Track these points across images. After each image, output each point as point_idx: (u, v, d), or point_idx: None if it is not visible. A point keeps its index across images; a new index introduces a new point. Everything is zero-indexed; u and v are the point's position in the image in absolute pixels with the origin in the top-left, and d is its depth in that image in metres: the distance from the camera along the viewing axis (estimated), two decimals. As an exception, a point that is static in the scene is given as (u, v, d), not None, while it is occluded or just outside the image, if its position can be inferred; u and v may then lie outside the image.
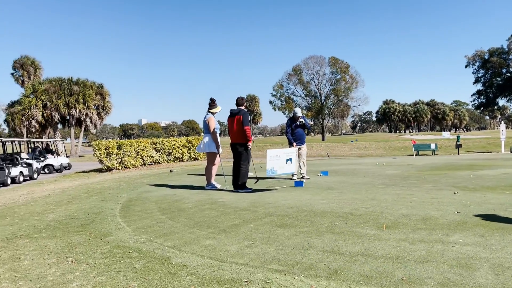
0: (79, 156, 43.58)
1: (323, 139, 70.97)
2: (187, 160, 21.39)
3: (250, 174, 9.14)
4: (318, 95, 75.96)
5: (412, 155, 26.41)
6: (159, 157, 20.03)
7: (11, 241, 4.78)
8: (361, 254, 3.65)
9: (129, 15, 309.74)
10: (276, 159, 8.62)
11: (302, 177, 9.87)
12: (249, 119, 8.47)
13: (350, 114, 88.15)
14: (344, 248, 3.85)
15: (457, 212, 5.27)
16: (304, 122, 10.05)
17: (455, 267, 3.21)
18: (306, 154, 10.45)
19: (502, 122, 34.01)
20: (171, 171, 14.81)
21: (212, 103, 8.80)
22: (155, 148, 19.97)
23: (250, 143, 8.20)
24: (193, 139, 22.31)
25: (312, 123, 77.96)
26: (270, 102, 76.79)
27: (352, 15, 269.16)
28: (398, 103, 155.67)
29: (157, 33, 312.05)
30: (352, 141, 49.08)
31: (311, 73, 75.44)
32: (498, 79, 63.40)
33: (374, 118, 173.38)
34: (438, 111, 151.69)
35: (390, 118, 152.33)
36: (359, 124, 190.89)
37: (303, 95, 76.71)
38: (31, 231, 5.27)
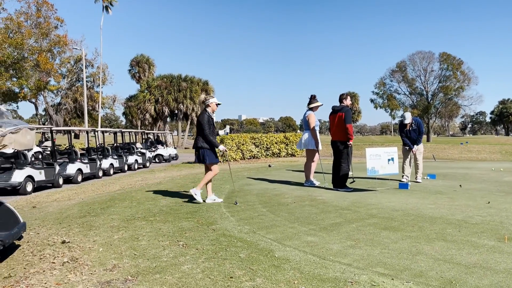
0: (185, 148, 46.65)
1: (428, 140, 66.36)
2: (284, 156, 21.62)
3: (350, 174, 8.90)
4: (425, 93, 71.13)
5: (536, 161, 23.37)
6: (258, 152, 20.55)
7: (130, 222, 5.29)
8: (479, 266, 3.33)
9: (232, 17, 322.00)
10: (377, 158, 8.27)
11: (416, 180, 9.30)
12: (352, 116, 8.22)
13: (460, 114, 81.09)
14: (458, 257, 3.56)
15: None
16: (418, 126, 9.28)
17: None
18: (422, 155, 9.66)
19: None
20: (269, 165, 15.10)
21: (312, 100, 8.74)
22: (254, 143, 20.54)
23: (351, 141, 7.99)
24: (291, 136, 22.46)
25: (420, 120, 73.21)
26: (371, 100, 73.99)
27: (465, 6, 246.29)
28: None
29: (258, 34, 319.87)
30: (462, 143, 45.09)
31: (418, 69, 70.87)
32: None
33: (488, 119, 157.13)
34: None
35: (508, 119, 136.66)
36: (469, 125, 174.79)
37: (407, 93, 72.51)
38: (147, 214, 5.78)
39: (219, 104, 6.78)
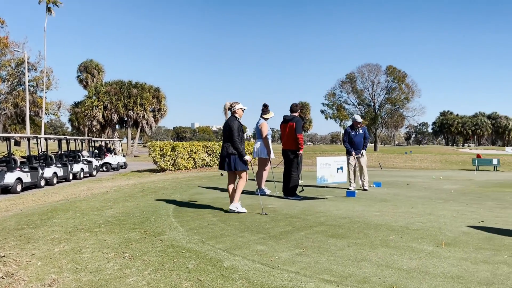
0: (135, 156, 45.42)
1: (375, 149, 69.04)
2: (237, 165, 21.65)
3: (300, 182, 9.05)
4: (372, 104, 74.13)
5: (472, 170, 25.01)
6: (210, 160, 20.42)
7: (73, 234, 5.04)
8: (418, 270, 3.48)
9: (186, 19, 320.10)
10: (327, 167, 8.49)
11: (363, 188, 9.60)
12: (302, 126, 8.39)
13: (405, 125, 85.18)
14: (400, 263, 3.70)
15: (525, 233, 4.91)
16: (364, 133, 9.64)
17: (524, 293, 2.98)
18: (366, 164, 9.96)
19: None
20: (222, 174, 15.03)
21: (265, 109, 8.83)
22: (206, 151, 20.39)
23: (301, 151, 8.13)
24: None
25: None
26: (322, 112, 75.91)
27: (408, 21, 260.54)
28: (457, 115, 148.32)
29: (210, 39, 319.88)
30: (406, 153, 47.33)
31: (366, 81, 73.78)
32: None
33: (430, 130, 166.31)
34: (501, 125, 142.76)
35: (448, 130, 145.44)
36: (413, 136, 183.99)
37: (356, 104, 75.19)
38: (91, 225, 5.54)
39: (244, 109, 6.60)
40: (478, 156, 26.08)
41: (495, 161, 28.28)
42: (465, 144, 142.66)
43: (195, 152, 19.52)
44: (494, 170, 27.90)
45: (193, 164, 19.42)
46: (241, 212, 6.30)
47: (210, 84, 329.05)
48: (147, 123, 47.17)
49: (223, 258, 3.87)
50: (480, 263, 3.69)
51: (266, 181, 9.15)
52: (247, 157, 6.33)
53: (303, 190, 8.80)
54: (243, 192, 7.37)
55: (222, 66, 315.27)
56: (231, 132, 6.25)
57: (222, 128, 6.59)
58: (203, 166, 20.03)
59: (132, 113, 45.41)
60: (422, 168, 30.65)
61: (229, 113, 6.50)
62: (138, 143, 58.53)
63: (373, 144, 71.38)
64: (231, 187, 6.52)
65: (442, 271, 3.46)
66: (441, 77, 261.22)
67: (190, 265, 3.67)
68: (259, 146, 8.70)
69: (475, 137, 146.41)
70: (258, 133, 8.83)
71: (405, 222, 5.56)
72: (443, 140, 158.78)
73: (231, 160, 6.25)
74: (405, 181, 12.98)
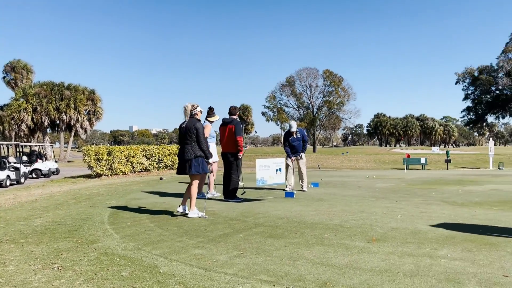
0: (68, 162, 43.15)
1: (314, 150, 71.14)
2: (177, 168, 21.32)
3: (240, 184, 9.11)
4: (311, 106, 76.37)
5: (403, 169, 26.58)
6: (149, 164, 19.91)
7: (-4, 246, 4.69)
8: (350, 266, 3.65)
9: (122, 19, 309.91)
10: (266, 169, 8.63)
11: (302, 189, 9.83)
12: (242, 128, 8.45)
13: (342, 127, 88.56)
14: (333, 260, 3.85)
15: (445, 226, 5.31)
16: (302, 136, 9.87)
17: (443, 282, 3.22)
18: (305, 165, 10.20)
19: (491, 139, 34.48)
20: (161, 178, 14.72)
21: (211, 112, 8.77)
22: (145, 155, 19.86)
23: (241, 154, 8.19)
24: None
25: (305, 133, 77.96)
26: (263, 114, 76.92)
27: (346, 26, 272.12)
28: (389, 117, 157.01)
29: (148, 40, 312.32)
30: (343, 154, 49.31)
31: (304, 84, 75.90)
32: (487, 96, 64.37)
33: (365, 131, 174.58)
34: (428, 126, 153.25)
35: (381, 131, 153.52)
36: (350, 137, 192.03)
37: (295, 107, 77.07)
38: (16, 236, 5.18)
39: (201, 111, 6.51)
40: (408, 155, 27.75)
41: (423, 160, 30.29)
42: (396, 145, 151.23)
43: (133, 156, 18.94)
44: (422, 168, 29.87)
45: (131, 168, 18.83)
46: (204, 217, 6.19)
47: (149, 87, 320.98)
48: (81, 127, 45.00)
49: (160, 264, 3.80)
50: (405, 256, 3.94)
51: (204, 184, 9.10)
52: (210, 160, 6.39)
53: (244, 192, 8.84)
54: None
55: (161, 68, 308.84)
56: (198, 134, 6.19)
57: (178, 130, 6.45)
58: (142, 171, 19.48)
59: (65, 116, 43.11)
60: (358, 168, 32.07)
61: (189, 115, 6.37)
62: (72, 148, 55.65)
63: (312, 146, 73.42)
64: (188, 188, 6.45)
65: (372, 266, 3.65)
66: (375, 81, 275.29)
67: (125, 273, 3.55)
68: None
69: (405, 137, 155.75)
70: None
71: (339, 220, 5.79)
72: (377, 141, 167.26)
73: (199, 163, 6.19)
74: (342, 181, 13.51)
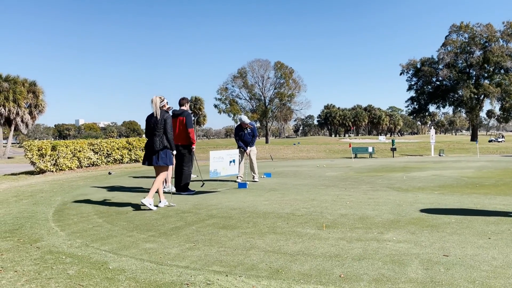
0: (8, 158, 40.70)
1: (266, 141, 71.88)
2: (127, 162, 20.69)
3: (194, 177, 9.02)
4: (263, 98, 76.90)
5: (351, 157, 27.47)
6: (97, 158, 19.20)
7: None
8: (302, 253, 3.72)
9: (67, 9, 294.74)
10: (219, 160, 8.59)
11: (253, 180, 9.88)
12: (193, 120, 8.34)
13: (293, 118, 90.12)
14: (285, 247, 3.91)
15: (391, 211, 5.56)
16: (252, 130, 9.95)
17: (389, 263, 3.37)
18: (256, 156, 10.32)
19: (432, 127, 36.42)
20: (109, 173, 14.26)
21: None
22: (93, 150, 19.12)
23: (194, 146, 8.08)
24: (134, 141, 21.64)
25: (258, 125, 78.64)
26: (215, 106, 76.44)
27: (296, 18, 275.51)
28: (338, 108, 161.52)
29: (95, 29, 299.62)
30: (294, 144, 50.17)
31: (256, 76, 76.26)
32: (429, 87, 67.86)
33: (316, 122, 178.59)
34: (375, 116, 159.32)
35: (331, 122, 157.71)
36: (301, 128, 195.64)
37: (247, 98, 77.28)
38: (-50, 238, 4.82)
39: (168, 103, 6.77)
40: (349, 145, 28.69)
41: (370, 149, 31.46)
42: (346, 135, 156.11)
43: (79, 151, 18.17)
44: (369, 157, 31.03)
45: (78, 164, 18.07)
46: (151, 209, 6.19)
47: (96, 79, 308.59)
48: (22, 121, 42.46)
49: (109, 260, 3.68)
50: (354, 241, 4.08)
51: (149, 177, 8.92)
52: (175, 152, 6.54)
53: (203, 185, 8.68)
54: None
55: (109, 60, 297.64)
56: (166, 126, 6.32)
57: (146, 122, 6.53)
58: (89, 166, 18.75)
59: (3, 109, 40.48)
60: (309, 157, 32.76)
61: (157, 107, 6.44)
62: (12, 144, 52.47)
63: (264, 137, 74.06)
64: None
65: (322, 252, 3.75)
66: (325, 74, 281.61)
67: (71, 271, 3.41)
68: None
69: (354, 127, 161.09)
70: None
71: (291, 209, 5.89)
72: (328, 131, 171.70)
73: (166, 155, 6.33)
74: (294, 170, 13.74)
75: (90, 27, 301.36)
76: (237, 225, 4.93)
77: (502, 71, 61.86)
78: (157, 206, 6.34)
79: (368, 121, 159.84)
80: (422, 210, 5.59)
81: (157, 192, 6.39)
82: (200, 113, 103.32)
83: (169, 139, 6.34)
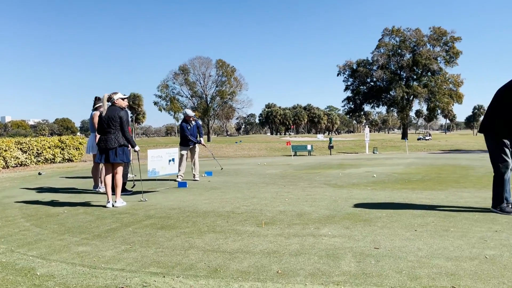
0: None
1: (208, 140, 71.41)
2: (59, 162, 19.59)
3: (130, 176, 8.75)
4: (204, 96, 76.31)
5: (291, 155, 28.09)
6: (26, 158, 17.99)
7: None
8: (240, 251, 3.74)
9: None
10: (158, 159, 8.40)
11: (194, 179, 9.77)
12: (131, 119, 8.09)
13: (235, 116, 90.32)
14: (224, 246, 3.91)
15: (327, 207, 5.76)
16: (197, 123, 9.91)
17: (324, 258, 3.49)
18: (198, 154, 10.19)
19: (367, 126, 38.23)
20: (39, 173, 13.42)
21: (97, 101, 8.27)
22: (21, 149, 17.88)
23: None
24: (67, 139, 20.54)
25: (201, 122, 77.85)
26: (155, 103, 74.59)
27: (236, 18, 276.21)
28: (279, 107, 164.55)
29: (29, 27, 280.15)
30: (236, 142, 50.34)
31: (197, 74, 75.52)
32: (364, 87, 71.23)
33: (257, 121, 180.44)
34: (314, 115, 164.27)
35: (273, 121, 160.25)
36: (243, 126, 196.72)
37: (189, 96, 76.29)
38: None
39: (125, 98, 6.50)
40: (288, 143, 29.33)
41: (309, 147, 32.33)
42: (286, 133, 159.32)
43: (5, 150, 16.91)
44: (308, 154, 31.90)
45: (4, 164, 16.82)
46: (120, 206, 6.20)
47: (24, 75, 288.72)
48: None
49: (37, 266, 3.46)
50: (292, 237, 4.17)
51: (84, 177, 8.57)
52: (138, 147, 6.47)
53: (134, 185, 8.47)
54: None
55: (41, 55, 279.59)
56: (122, 122, 6.17)
57: (98, 118, 6.36)
58: (17, 166, 17.52)
59: None
60: (251, 156, 33.03)
61: (108, 104, 6.31)
62: None
63: (206, 135, 73.58)
64: (109, 178, 6.31)
65: (261, 249, 3.80)
66: (267, 73, 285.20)
67: (-7, 280, 3.16)
68: (94, 140, 8.08)
69: (294, 126, 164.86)
70: (91, 127, 8.22)
71: (231, 207, 5.91)
72: (269, 130, 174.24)
73: (123, 151, 6.21)
74: (236, 168, 13.78)
75: (19, 25, 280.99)
76: (176, 225, 4.86)
77: (429, 73, 66.38)
78: (105, 206, 6.23)
79: (307, 120, 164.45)
80: (356, 205, 5.85)
81: (105, 192, 6.29)
82: (139, 110, 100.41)
83: (126, 137, 6.27)
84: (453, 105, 66.59)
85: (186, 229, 4.63)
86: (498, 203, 5.12)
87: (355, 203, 6.08)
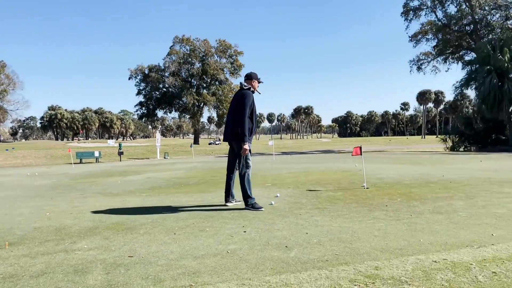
0: None
1: (-29, 147, 59.20)
2: None
3: None
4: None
5: (75, 163, 25.93)
6: None
7: None
8: (-34, 281, 3.17)
9: None
10: None
11: None
12: None
13: (9, 119, 77.90)
14: None
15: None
16: None
17: (70, 274, 3.26)
18: None
19: (158, 131, 38.58)
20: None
21: None
22: None
23: None
24: None
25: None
26: None
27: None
28: (66, 110, 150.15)
29: None
30: (7, 150, 43.32)
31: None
32: (157, 93, 71.67)
33: (38, 125, 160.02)
34: (106, 119, 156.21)
35: (58, 125, 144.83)
36: (20, 131, 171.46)
37: None
38: None
39: None
40: (69, 150, 27.27)
41: (96, 154, 30.54)
42: (75, 138, 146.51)
43: None
44: (96, 161, 30.09)
45: None
46: None
47: None
48: None
49: None
50: (39, 256, 3.75)
51: None
52: None
53: None
54: None
55: None
56: None
57: None
58: None
59: None
60: (26, 165, 29.01)
61: None
62: None
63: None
64: None
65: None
66: (49, 72, 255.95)
67: None
68: None
69: (84, 131, 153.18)
70: None
71: (-28, 229, 4.99)
72: (53, 134, 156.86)
73: None
74: (-4, 181, 11.80)
75: None
76: None
77: (217, 82, 71.68)
78: None
79: (99, 124, 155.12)
80: (124, 213, 5.75)
81: None
82: None
83: None
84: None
85: None
86: (249, 201, 5.86)
87: (125, 211, 5.97)
